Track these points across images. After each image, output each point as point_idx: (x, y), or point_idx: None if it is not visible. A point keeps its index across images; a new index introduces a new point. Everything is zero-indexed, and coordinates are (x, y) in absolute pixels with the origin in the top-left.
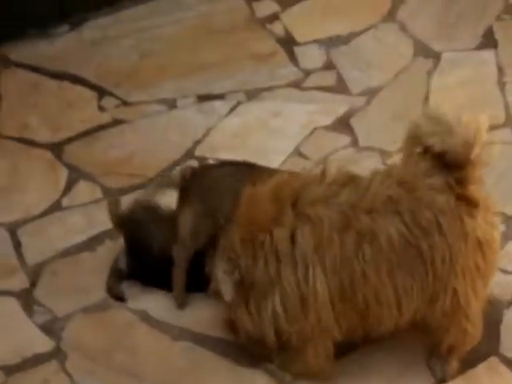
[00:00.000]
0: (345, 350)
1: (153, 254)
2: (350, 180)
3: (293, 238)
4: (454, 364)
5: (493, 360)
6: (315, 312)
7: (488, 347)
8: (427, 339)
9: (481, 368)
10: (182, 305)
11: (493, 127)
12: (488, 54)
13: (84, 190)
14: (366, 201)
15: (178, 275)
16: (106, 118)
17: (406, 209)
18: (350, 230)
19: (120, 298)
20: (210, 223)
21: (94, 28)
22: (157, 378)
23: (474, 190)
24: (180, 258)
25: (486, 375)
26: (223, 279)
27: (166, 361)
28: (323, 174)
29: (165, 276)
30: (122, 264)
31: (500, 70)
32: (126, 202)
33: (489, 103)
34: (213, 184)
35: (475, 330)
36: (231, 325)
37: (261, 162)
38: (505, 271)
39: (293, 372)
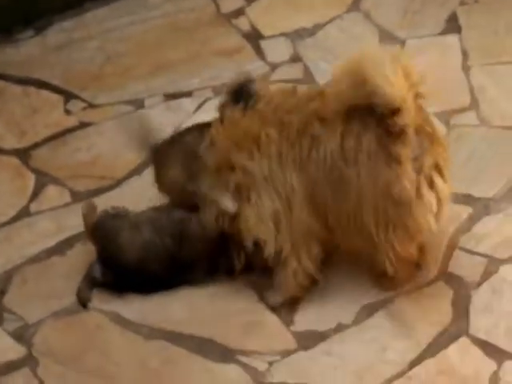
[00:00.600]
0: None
1: (127, 262)
2: (318, 94)
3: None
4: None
5: (463, 341)
6: (297, 210)
7: (458, 328)
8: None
9: (451, 349)
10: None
11: (459, 111)
12: (452, 39)
13: (52, 195)
14: (320, 110)
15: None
16: (72, 121)
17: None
18: (306, 134)
19: (83, 305)
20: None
21: (59, 32)
22: (130, 378)
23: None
24: None
25: (457, 355)
26: (221, 195)
27: (140, 361)
28: (294, 90)
29: (140, 282)
30: (97, 272)
31: (464, 54)
32: (98, 204)
33: (454, 88)
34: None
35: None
36: None
37: None
38: (472, 252)
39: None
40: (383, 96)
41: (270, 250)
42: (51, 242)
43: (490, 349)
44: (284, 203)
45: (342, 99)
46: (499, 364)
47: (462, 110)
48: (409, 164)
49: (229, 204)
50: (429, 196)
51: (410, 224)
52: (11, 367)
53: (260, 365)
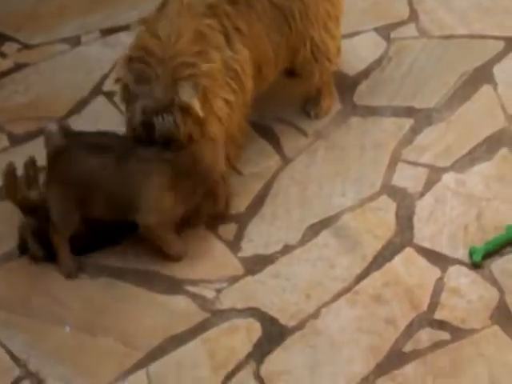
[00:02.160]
0: None
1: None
2: None
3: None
4: (325, 103)
5: (408, 251)
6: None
7: (402, 239)
8: (301, 89)
9: (397, 260)
10: (71, 274)
11: (398, 24)
12: None
13: None
14: None
15: (60, 247)
16: (7, 63)
17: None
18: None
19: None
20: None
21: None
22: (79, 317)
23: None
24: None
25: (402, 266)
26: (190, 95)
27: (86, 299)
28: None
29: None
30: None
31: None
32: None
33: (392, 1)
34: (80, 173)
35: (335, 66)
36: None
37: None
38: (414, 163)
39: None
40: None
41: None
42: None
43: (434, 257)
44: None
45: None
46: (443, 271)
47: (402, 23)
48: None
49: (197, 106)
50: None
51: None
52: None
53: (208, 293)
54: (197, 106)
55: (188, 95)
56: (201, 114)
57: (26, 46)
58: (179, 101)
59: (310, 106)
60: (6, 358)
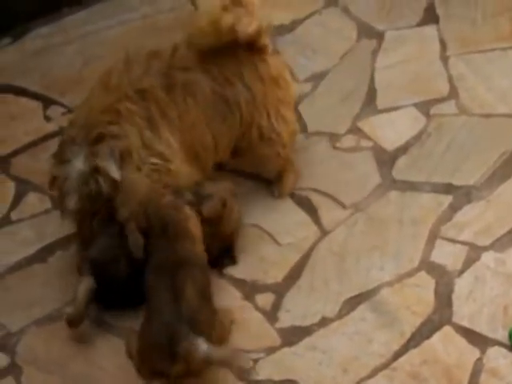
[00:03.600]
0: None
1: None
2: (154, 54)
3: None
4: (288, 181)
5: (447, 329)
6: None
7: (441, 317)
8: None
9: (435, 338)
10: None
11: (438, 100)
12: (430, 30)
13: (33, 202)
14: (178, 62)
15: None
16: (52, 127)
17: (213, 65)
18: (175, 87)
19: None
20: None
21: (37, 38)
22: (115, 383)
23: (262, 42)
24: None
25: (441, 345)
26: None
27: (123, 365)
28: (128, 58)
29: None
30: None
31: (442, 44)
32: None
33: (433, 78)
34: None
35: (288, 151)
36: None
37: None
38: (453, 240)
39: None
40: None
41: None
42: (33, 250)
43: (473, 336)
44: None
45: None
46: (483, 351)
47: (442, 100)
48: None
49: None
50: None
51: (289, 92)
52: None
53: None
54: (113, 169)
55: (104, 159)
56: (117, 177)
57: (70, 111)
58: (96, 166)
59: (273, 185)
60: None
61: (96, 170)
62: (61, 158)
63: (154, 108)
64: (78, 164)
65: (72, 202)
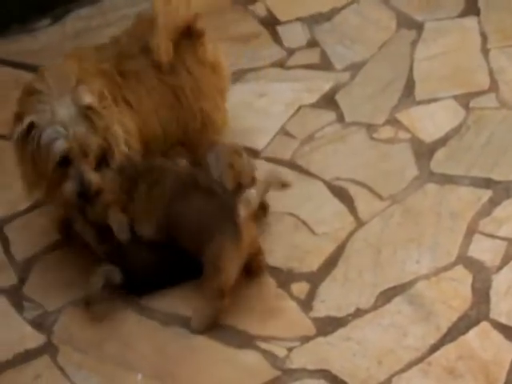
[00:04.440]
0: None
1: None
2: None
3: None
4: None
5: (484, 325)
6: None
7: (478, 313)
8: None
9: (472, 333)
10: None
11: (478, 94)
12: (471, 22)
13: None
14: (125, 50)
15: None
16: None
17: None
18: (128, 74)
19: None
20: None
21: (77, 19)
22: (150, 365)
23: (199, 26)
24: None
25: (477, 340)
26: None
27: (159, 348)
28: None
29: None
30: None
31: (483, 36)
32: None
33: (473, 70)
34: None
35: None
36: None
37: (247, 143)
38: (492, 236)
39: None
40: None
41: None
42: None
43: (511, 333)
44: None
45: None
46: None
47: (482, 93)
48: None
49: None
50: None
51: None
52: (31, 355)
53: (279, 351)
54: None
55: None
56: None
57: None
58: (88, 103)
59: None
60: None
61: (88, 108)
62: (27, 111)
63: (117, 92)
64: (62, 110)
65: (61, 145)
